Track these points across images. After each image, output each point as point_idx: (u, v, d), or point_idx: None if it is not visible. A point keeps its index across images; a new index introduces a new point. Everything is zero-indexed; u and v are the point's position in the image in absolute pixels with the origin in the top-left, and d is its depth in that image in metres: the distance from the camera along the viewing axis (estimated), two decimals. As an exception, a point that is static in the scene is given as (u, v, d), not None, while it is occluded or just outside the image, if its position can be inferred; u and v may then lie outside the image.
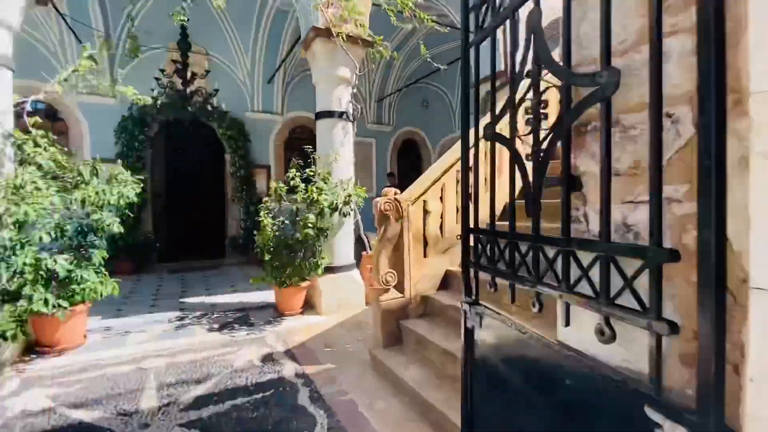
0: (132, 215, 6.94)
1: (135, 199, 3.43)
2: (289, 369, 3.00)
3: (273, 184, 4.31)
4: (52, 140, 3.38)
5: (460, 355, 2.49)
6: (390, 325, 3.10)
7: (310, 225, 3.91)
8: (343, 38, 4.19)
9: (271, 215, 4.17)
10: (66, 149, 3.47)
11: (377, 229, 3.11)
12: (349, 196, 4.42)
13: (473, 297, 1.49)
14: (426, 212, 3.36)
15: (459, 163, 3.62)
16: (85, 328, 3.62)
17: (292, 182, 4.23)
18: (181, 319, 4.33)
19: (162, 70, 5.85)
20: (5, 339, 2.76)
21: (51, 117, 6.91)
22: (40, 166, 3.08)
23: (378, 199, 3.08)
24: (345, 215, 4.39)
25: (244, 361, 3.13)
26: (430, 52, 5.46)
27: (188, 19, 6.00)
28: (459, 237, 1.56)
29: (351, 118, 4.68)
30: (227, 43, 7.87)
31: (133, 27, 5.63)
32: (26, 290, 2.93)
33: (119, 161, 6.96)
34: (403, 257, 3.17)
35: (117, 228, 3.33)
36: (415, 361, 2.85)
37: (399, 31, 8.10)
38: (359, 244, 5.12)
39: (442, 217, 3.46)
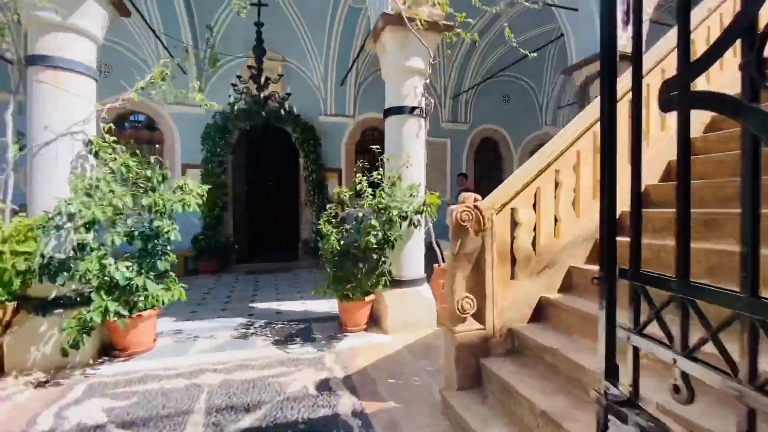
0: (206, 221, 7.39)
1: (196, 209, 3.35)
2: (345, 403, 2.58)
3: (336, 190, 3.99)
4: (132, 148, 3.44)
5: (567, 425, 1.82)
6: (466, 363, 2.50)
7: (373, 232, 3.47)
8: (420, 22, 3.70)
9: (333, 223, 3.83)
10: (156, 156, 3.55)
11: (452, 244, 2.54)
12: (422, 204, 3.89)
13: (625, 391, 0.85)
14: (515, 223, 2.70)
15: (559, 161, 2.88)
16: (154, 333, 3.63)
17: (357, 187, 3.85)
18: (247, 327, 4.22)
19: (239, 77, 5.97)
20: (71, 347, 2.78)
21: (149, 127, 7.58)
22: (112, 171, 3.12)
23: (454, 206, 2.51)
24: (416, 225, 3.86)
25: (298, 387, 2.79)
26: (514, 40, 4.70)
27: (263, 24, 6.08)
28: (594, 281, 0.94)
29: (424, 113, 4.16)
30: (302, 47, 7.92)
31: (212, 37, 5.85)
32: (93, 296, 2.95)
33: (198, 168, 7.50)
34: (484, 279, 2.55)
35: (175, 236, 3.26)
36: (498, 415, 2.22)
37: (481, 15, 7.38)
38: (430, 254, 4.55)
39: (535, 230, 2.76)
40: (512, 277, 2.68)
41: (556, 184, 2.85)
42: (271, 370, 3.08)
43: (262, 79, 5.96)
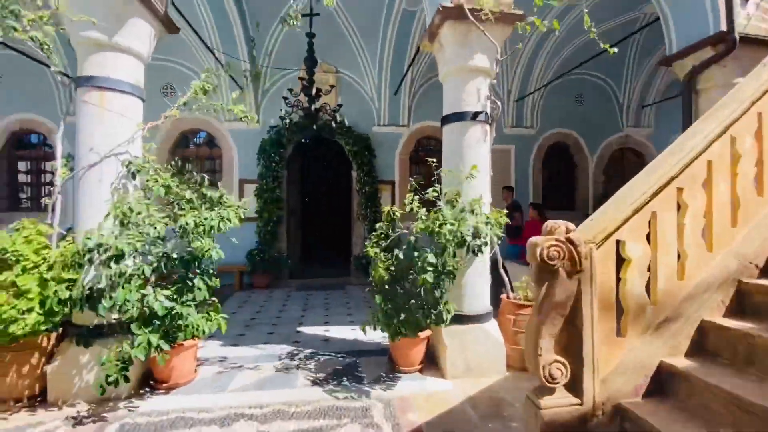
0: (261, 235, 7.36)
1: (237, 223, 3.11)
2: (395, 483, 2.07)
3: (385, 209, 3.52)
4: (194, 165, 3.32)
5: None
6: (557, 451, 1.86)
7: (429, 268, 2.94)
8: (485, 13, 3.16)
9: (383, 246, 3.37)
10: (202, 174, 3.44)
11: (535, 289, 1.93)
12: (479, 223, 3.27)
13: None
14: (620, 260, 2.02)
15: (682, 176, 2.13)
16: (195, 363, 3.43)
17: (408, 208, 3.36)
18: (291, 357, 3.89)
19: (290, 90, 5.83)
20: (109, 384, 2.60)
21: (209, 144, 7.81)
22: (151, 190, 2.98)
23: (536, 238, 1.91)
24: (475, 253, 3.23)
25: (339, 451, 2.34)
26: (594, 29, 3.90)
27: (315, 35, 5.89)
28: None
29: (490, 118, 3.56)
30: (355, 57, 7.69)
31: (254, 50, 5.77)
32: (133, 327, 2.77)
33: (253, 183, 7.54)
34: (581, 337, 1.90)
35: (216, 254, 3.03)
36: None
37: (551, 6, 6.56)
38: (494, 276, 3.85)
39: (649, 270, 2.05)
40: (619, 334, 2.00)
41: (678, 207, 2.12)
42: (311, 422, 2.66)
43: (314, 91, 5.75)
